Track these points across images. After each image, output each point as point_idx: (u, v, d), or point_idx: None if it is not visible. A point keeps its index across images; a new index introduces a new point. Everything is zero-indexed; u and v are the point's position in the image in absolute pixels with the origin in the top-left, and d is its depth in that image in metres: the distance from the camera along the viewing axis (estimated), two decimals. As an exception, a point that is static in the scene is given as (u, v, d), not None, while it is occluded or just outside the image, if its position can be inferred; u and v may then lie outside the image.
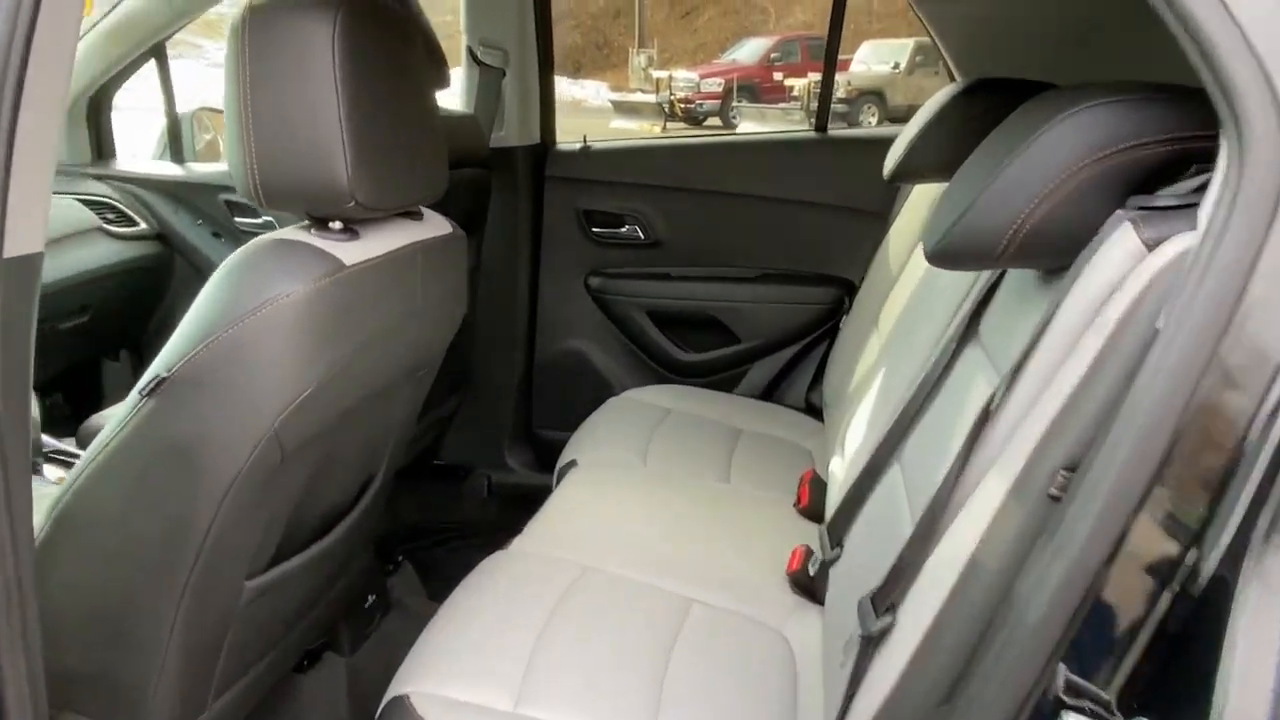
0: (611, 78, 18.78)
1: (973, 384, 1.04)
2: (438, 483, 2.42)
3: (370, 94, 1.00)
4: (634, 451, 1.82)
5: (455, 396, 2.28)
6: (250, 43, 0.97)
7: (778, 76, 14.25)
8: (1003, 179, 0.85)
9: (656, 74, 15.49)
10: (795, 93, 13.30)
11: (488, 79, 2.15)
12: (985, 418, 0.84)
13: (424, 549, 2.23)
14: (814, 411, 2.22)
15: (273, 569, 1.18)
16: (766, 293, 2.30)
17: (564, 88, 17.48)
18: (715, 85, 14.11)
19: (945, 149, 1.51)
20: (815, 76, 12.68)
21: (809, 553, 1.40)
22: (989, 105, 1.47)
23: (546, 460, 2.36)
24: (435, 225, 1.24)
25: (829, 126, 2.34)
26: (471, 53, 2.15)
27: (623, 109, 14.25)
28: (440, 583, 2.03)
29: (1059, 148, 0.82)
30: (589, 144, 2.37)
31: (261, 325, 0.94)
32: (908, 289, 1.67)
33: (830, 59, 2.33)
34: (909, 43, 12.78)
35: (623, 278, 2.36)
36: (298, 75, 0.96)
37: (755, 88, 14.34)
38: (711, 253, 2.34)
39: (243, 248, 1.00)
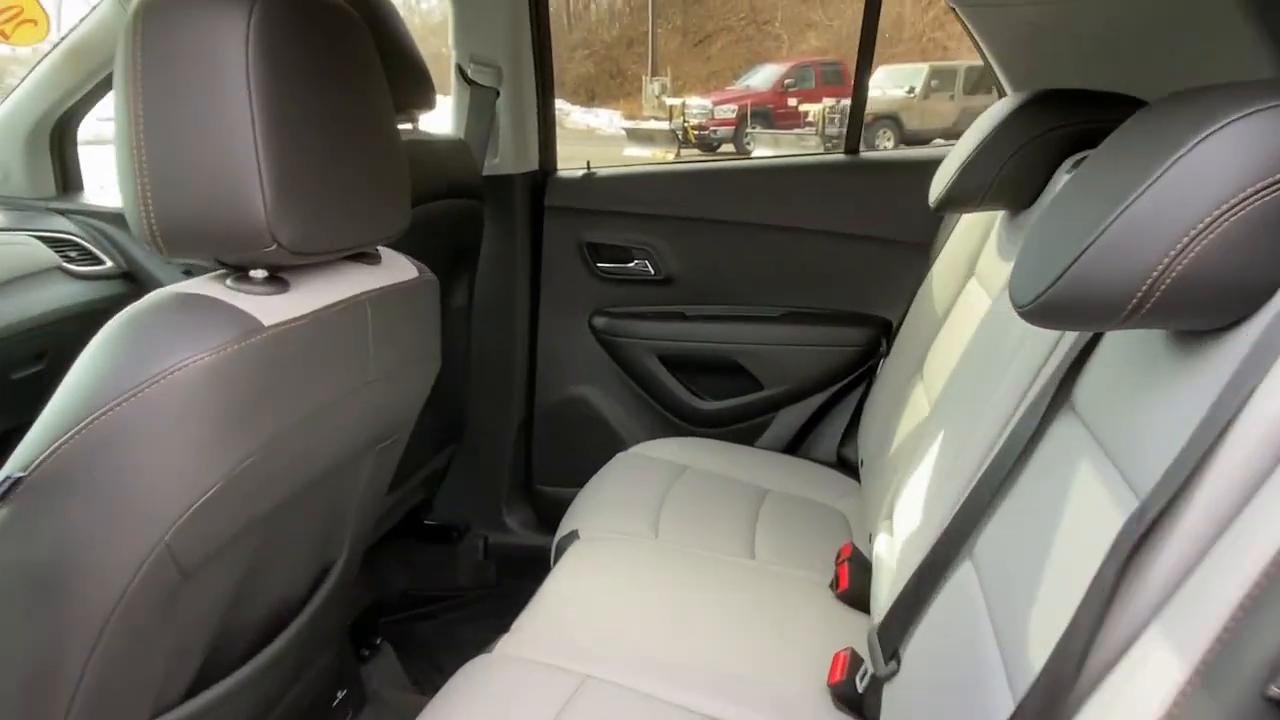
0: (625, 106, 18.82)
1: (1074, 472, 0.80)
2: (429, 544, 2.20)
3: (298, 108, 0.79)
4: (643, 520, 1.59)
5: (448, 449, 2.07)
6: (144, 43, 0.76)
7: (792, 102, 14.23)
8: (1131, 214, 0.62)
9: (670, 101, 15.44)
10: (810, 118, 13.24)
11: (480, 100, 1.94)
12: (1131, 553, 0.59)
13: (410, 622, 2.01)
14: (846, 466, 1.99)
15: (193, 698, 0.95)
16: (792, 334, 2.07)
17: (578, 116, 17.56)
18: (729, 111, 14.10)
19: (1006, 172, 1.32)
20: (830, 101, 12.74)
21: (855, 660, 1.16)
22: (1058, 120, 1.29)
23: (548, 519, 2.14)
24: (394, 270, 1.02)
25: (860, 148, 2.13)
26: (461, 71, 1.94)
27: (636, 136, 14.18)
28: (425, 669, 1.82)
29: (1215, 169, 0.59)
30: (592, 170, 2.16)
31: (146, 407, 0.72)
32: (960, 333, 1.44)
33: (862, 72, 2.12)
34: (924, 67, 12.96)
35: (631, 318, 2.13)
36: (201, 83, 0.75)
37: (769, 114, 14.33)
38: (730, 289, 2.12)
39: (135, 304, 0.78)
